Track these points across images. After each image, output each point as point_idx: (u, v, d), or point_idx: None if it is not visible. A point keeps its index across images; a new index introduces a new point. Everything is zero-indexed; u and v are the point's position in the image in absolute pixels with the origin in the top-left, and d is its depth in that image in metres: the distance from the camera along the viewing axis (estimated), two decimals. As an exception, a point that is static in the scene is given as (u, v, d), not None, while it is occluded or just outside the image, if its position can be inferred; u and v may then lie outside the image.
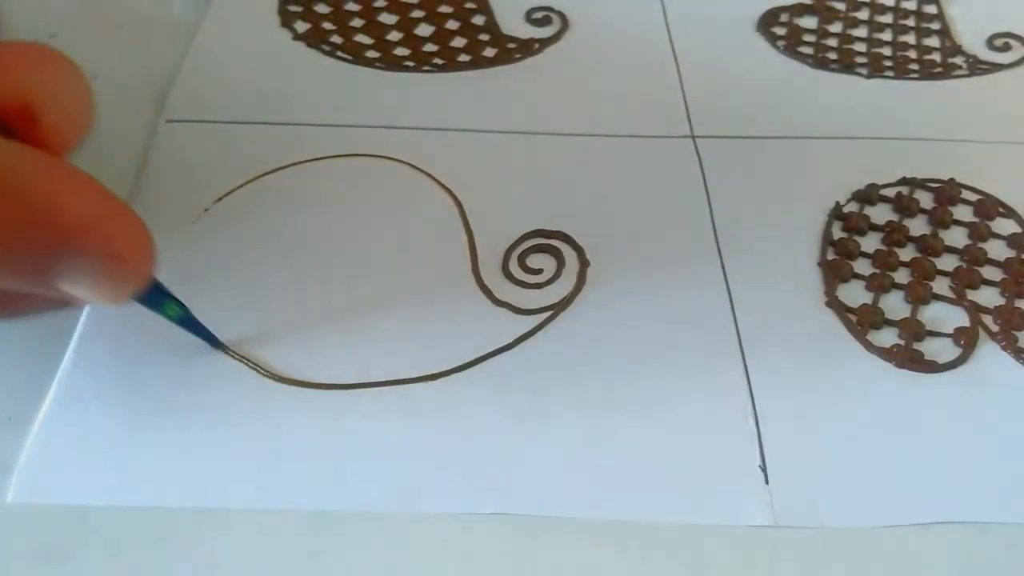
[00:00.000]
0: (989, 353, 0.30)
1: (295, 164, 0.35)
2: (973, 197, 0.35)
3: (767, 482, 0.26)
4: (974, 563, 0.25)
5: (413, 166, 0.35)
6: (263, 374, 0.28)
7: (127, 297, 0.23)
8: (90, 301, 0.22)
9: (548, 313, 0.30)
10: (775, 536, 0.26)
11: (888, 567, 0.25)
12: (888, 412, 0.28)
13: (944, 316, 0.31)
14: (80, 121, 0.23)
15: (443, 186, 0.34)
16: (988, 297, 0.32)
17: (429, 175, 0.34)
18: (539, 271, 0.31)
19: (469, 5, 0.43)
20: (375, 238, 0.32)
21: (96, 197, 0.21)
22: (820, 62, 0.41)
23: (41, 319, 0.27)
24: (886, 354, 0.30)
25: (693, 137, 0.37)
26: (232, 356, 0.28)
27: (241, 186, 0.33)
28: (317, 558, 0.24)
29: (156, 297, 0.26)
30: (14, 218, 0.20)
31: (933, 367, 0.29)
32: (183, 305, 0.27)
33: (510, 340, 0.29)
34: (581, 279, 0.31)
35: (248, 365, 0.28)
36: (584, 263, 0.31)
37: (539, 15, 0.43)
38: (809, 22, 0.44)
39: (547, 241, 0.32)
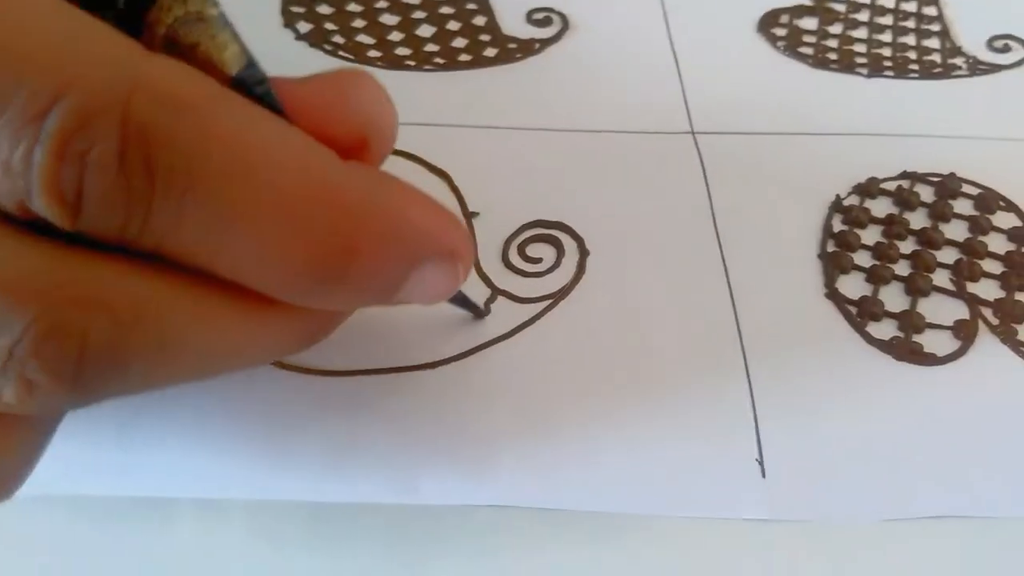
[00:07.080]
0: (989, 346, 0.30)
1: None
2: (974, 191, 0.35)
3: (764, 475, 0.26)
4: (972, 558, 0.25)
5: (406, 155, 0.35)
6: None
7: (452, 293, 0.23)
8: (420, 303, 0.22)
9: (548, 302, 0.30)
10: (771, 530, 0.25)
11: (885, 562, 0.25)
12: (887, 405, 0.28)
13: (944, 309, 0.31)
14: (391, 143, 0.23)
15: (439, 174, 0.34)
16: (988, 290, 0.32)
17: (424, 163, 0.34)
18: (539, 260, 0.31)
19: (470, 6, 0.44)
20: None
21: (430, 204, 0.21)
22: (820, 62, 0.41)
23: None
24: (886, 346, 0.30)
25: (693, 133, 0.37)
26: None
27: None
28: (314, 549, 0.24)
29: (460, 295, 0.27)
30: (376, 235, 0.20)
31: (933, 360, 0.29)
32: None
33: (509, 329, 0.29)
34: (581, 268, 0.31)
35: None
36: (584, 252, 0.31)
37: (540, 16, 0.43)
38: (809, 23, 0.44)
39: (547, 231, 0.32)
